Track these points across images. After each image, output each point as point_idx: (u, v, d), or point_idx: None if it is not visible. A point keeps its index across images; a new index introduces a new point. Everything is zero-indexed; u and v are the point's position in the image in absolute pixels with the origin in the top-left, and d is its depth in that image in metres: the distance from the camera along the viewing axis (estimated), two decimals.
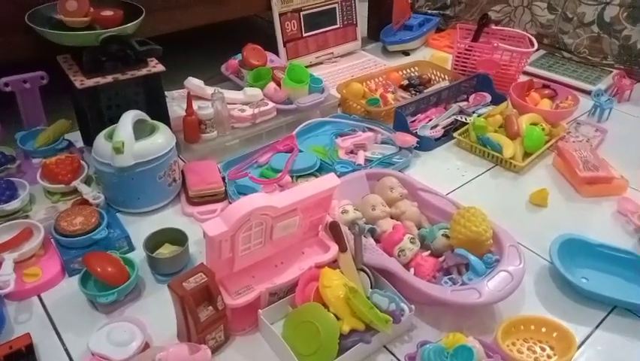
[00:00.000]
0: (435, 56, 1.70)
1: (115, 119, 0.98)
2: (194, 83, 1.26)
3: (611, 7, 1.60)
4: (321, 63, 1.63)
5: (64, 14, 1.03)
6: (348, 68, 1.63)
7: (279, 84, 1.32)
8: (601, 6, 1.61)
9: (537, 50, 1.55)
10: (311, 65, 1.60)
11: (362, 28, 1.77)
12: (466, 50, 1.49)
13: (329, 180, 0.80)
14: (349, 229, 0.86)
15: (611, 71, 1.63)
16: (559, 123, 1.31)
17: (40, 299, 0.82)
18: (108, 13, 1.05)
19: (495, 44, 1.42)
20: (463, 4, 1.95)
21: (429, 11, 2.01)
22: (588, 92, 1.50)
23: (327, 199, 0.82)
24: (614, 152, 1.25)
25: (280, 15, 1.48)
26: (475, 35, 1.51)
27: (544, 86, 1.44)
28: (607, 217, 1.05)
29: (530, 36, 1.50)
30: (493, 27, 1.55)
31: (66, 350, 0.74)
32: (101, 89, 1.02)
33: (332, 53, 1.65)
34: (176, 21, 1.30)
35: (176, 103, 1.26)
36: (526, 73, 1.60)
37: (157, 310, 0.80)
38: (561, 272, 0.86)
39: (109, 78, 1.02)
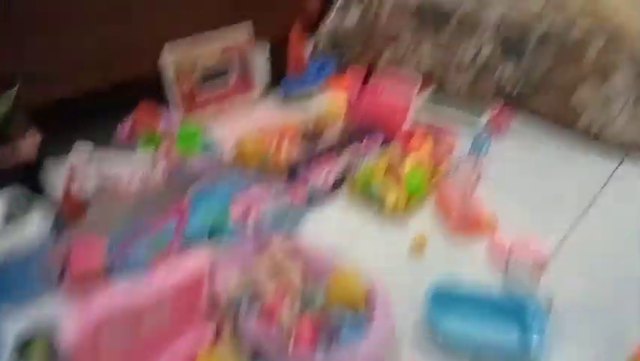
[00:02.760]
0: (332, 100, 1.77)
1: None
2: (78, 151, 1.24)
3: (486, 47, 1.74)
4: (218, 116, 1.65)
5: None
6: (247, 121, 1.66)
7: (170, 147, 1.33)
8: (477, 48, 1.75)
9: (428, 86, 1.66)
10: (207, 120, 1.62)
11: (261, 79, 1.81)
12: (357, 97, 1.57)
13: (196, 260, 0.82)
14: (227, 309, 0.88)
15: (492, 106, 1.76)
16: (441, 163, 1.40)
17: None
18: None
19: (380, 89, 1.51)
20: (359, 47, 2.04)
21: (326, 54, 2.09)
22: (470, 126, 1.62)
23: (198, 282, 0.83)
24: (490, 189, 1.35)
25: (175, 68, 1.48)
26: (363, 81, 1.59)
27: (429, 127, 1.53)
28: (480, 258, 1.14)
29: (416, 78, 1.60)
30: (382, 72, 1.64)
31: None
32: None
33: (229, 105, 1.67)
34: (58, 91, 1.28)
35: (61, 174, 1.23)
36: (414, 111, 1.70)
37: None
38: (428, 325, 0.92)
39: None
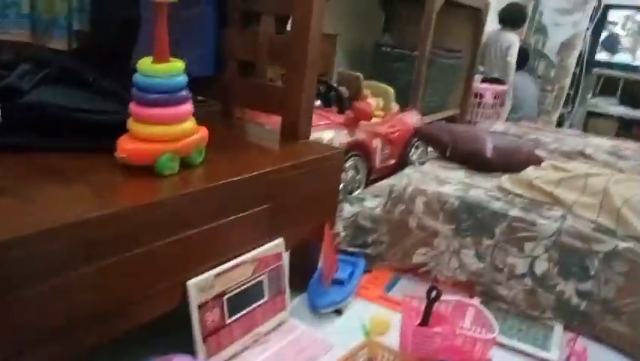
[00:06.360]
0: (375, 320, 1.48)
1: None
2: None
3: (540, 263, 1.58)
4: (247, 348, 1.30)
5: None
6: (281, 353, 1.31)
7: None
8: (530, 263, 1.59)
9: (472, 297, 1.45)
10: (235, 356, 1.26)
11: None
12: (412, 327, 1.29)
13: None
14: None
15: (552, 326, 1.55)
16: None
17: None
18: None
19: (457, 331, 1.24)
20: (384, 244, 1.83)
21: (349, 249, 1.85)
22: (540, 359, 1.39)
23: None
24: None
25: (200, 307, 1.15)
26: (424, 316, 1.32)
27: None
28: None
29: (481, 307, 1.37)
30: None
31: None
32: None
33: (259, 333, 1.33)
34: (56, 356, 0.89)
35: None
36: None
37: None
38: None
39: None
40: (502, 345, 1.45)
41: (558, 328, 1.55)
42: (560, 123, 5.08)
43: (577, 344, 1.44)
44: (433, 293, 1.33)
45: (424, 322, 1.31)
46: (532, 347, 1.45)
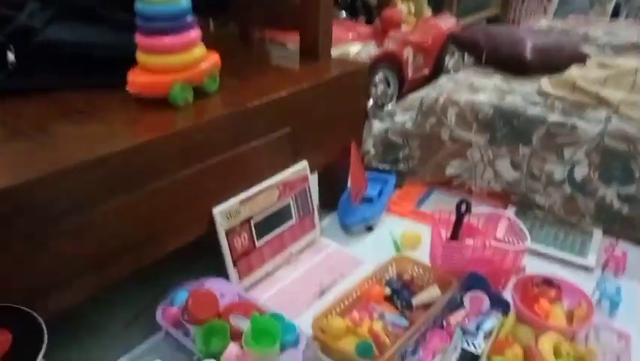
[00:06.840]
0: (406, 235, 1.49)
1: None
2: None
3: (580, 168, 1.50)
4: (279, 267, 1.34)
5: None
6: (313, 270, 1.35)
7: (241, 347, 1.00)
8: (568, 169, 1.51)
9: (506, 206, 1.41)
10: (267, 275, 1.31)
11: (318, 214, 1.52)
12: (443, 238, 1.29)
13: None
14: None
15: (591, 232, 1.51)
16: (574, 335, 1.11)
17: None
18: None
19: (487, 244, 1.23)
20: (416, 159, 1.78)
21: (380, 167, 1.82)
22: (577, 265, 1.37)
23: None
24: None
25: (227, 233, 1.18)
26: (454, 229, 1.30)
27: (545, 282, 1.24)
28: None
29: (514, 218, 1.33)
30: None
31: None
32: None
33: (290, 252, 1.37)
34: (91, 285, 0.95)
35: None
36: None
37: None
38: None
39: None
40: (537, 253, 1.43)
41: (597, 233, 1.50)
42: (615, 13, 4.60)
43: (616, 249, 1.40)
44: (463, 207, 1.30)
45: (454, 235, 1.30)
46: (569, 254, 1.42)
